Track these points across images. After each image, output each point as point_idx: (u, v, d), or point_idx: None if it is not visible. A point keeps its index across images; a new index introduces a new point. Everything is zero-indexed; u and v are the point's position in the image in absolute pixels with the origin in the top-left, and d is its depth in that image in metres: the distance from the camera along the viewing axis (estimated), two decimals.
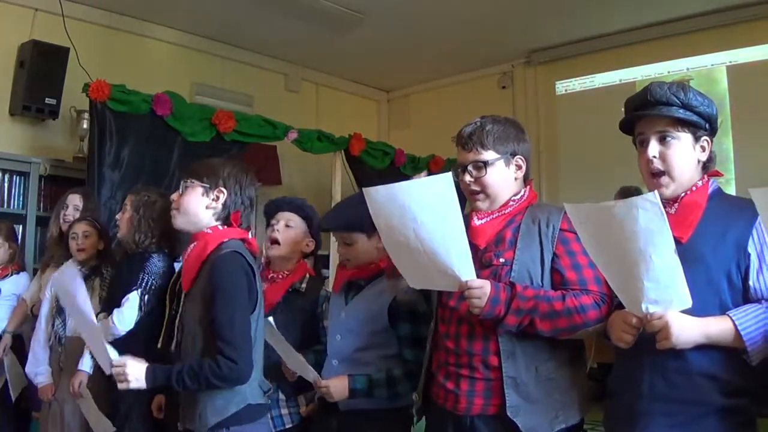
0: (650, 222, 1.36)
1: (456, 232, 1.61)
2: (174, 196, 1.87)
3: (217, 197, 1.85)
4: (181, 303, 1.89)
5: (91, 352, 2.67)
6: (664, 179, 1.59)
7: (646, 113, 1.62)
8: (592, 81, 5.34)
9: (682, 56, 4.82)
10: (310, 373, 2.06)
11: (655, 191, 1.39)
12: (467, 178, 1.80)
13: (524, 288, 1.67)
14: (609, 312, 1.65)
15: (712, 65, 4.73)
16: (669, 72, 4.88)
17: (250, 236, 1.91)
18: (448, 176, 1.57)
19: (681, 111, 1.57)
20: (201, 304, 1.78)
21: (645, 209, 1.36)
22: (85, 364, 2.69)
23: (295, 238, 2.39)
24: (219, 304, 1.72)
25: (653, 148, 1.60)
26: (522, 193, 1.83)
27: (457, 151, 1.86)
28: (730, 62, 4.64)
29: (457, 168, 1.84)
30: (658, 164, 1.59)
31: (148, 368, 1.72)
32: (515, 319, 1.65)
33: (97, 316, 2.68)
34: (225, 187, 1.85)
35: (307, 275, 2.44)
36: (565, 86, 5.50)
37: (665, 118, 1.59)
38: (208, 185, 1.84)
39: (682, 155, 1.59)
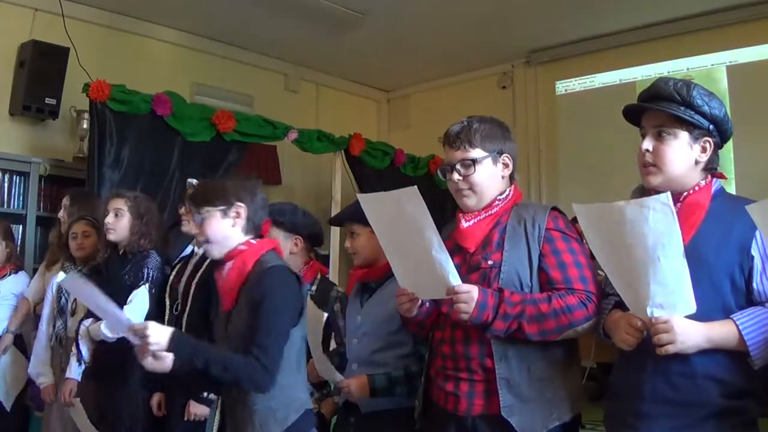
0: (660, 223, 1.36)
1: (434, 241, 1.63)
2: (194, 230, 1.85)
3: (238, 213, 1.83)
4: (225, 323, 1.85)
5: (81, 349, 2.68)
6: (652, 168, 1.60)
7: (646, 105, 1.62)
8: (592, 81, 5.33)
9: (682, 56, 4.80)
10: (335, 376, 2.09)
11: (667, 193, 1.39)
12: (455, 176, 1.81)
13: (511, 293, 1.68)
14: (596, 309, 1.65)
15: (712, 65, 4.73)
16: (669, 72, 4.87)
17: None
18: (414, 189, 1.60)
19: (681, 109, 1.56)
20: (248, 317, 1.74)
21: (656, 210, 1.36)
22: (74, 372, 2.70)
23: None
24: (264, 312, 1.69)
25: (648, 142, 1.61)
26: (507, 192, 1.84)
27: (444, 151, 1.86)
28: (730, 62, 4.64)
29: (444, 168, 1.85)
30: (649, 157, 1.61)
31: (173, 334, 1.59)
32: (503, 324, 1.65)
33: (82, 321, 2.71)
34: (241, 201, 1.84)
35: (319, 276, 2.46)
36: (565, 86, 5.49)
37: (663, 113, 1.59)
38: (224, 206, 1.82)
39: (676, 152, 1.58)
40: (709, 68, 4.73)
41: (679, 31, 4.76)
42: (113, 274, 2.71)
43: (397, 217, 1.65)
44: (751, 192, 1.68)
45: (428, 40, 5.20)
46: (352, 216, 2.16)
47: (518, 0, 4.51)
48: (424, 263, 1.67)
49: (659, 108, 1.58)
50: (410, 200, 1.61)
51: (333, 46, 5.31)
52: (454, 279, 1.66)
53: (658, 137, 1.60)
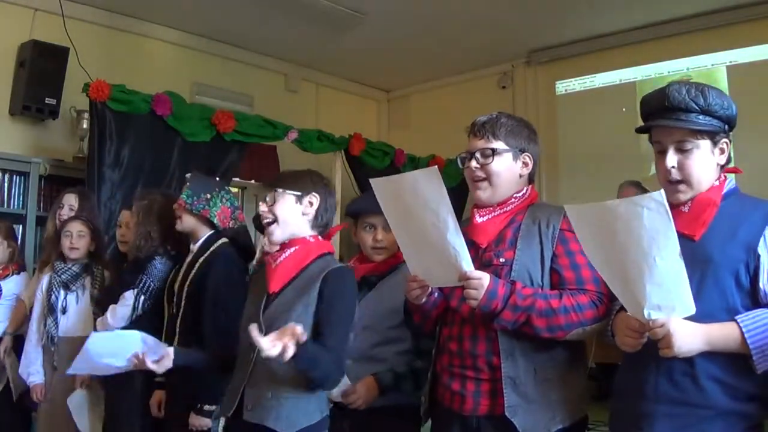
0: (655, 222, 1.33)
1: (450, 224, 1.62)
2: (263, 207, 1.82)
3: (311, 203, 1.83)
4: (264, 305, 1.82)
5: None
6: (682, 186, 1.54)
7: (664, 123, 1.55)
8: (592, 81, 5.34)
9: (682, 56, 4.82)
10: (343, 385, 2.00)
11: (661, 190, 1.36)
12: (473, 164, 1.80)
13: (522, 286, 1.68)
14: (606, 311, 1.64)
15: (712, 65, 4.73)
16: (669, 72, 4.88)
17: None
18: (434, 169, 1.60)
19: (701, 117, 1.51)
20: (303, 310, 1.74)
21: (650, 209, 1.32)
22: None
23: None
24: (339, 315, 1.73)
25: (671, 158, 1.54)
26: (524, 191, 1.83)
27: (468, 140, 1.86)
28: (730, 62, 4.65)
29: (464, 156, 1.84)
30: (676, 174, 1.54)
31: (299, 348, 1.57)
32: (512, 315, 1.64)
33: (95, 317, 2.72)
34: (316, 192, 1.84)
35: None
36: (565, 86, 5.50)
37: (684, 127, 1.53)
38: (299, 193, 1.83)
39: (701, 163, 1.53)
40: (709, 68, 4.73)
41: (679, 31, 4.77)
42: (123, 274, 2.75)
43: (413, 200, 1.64)
44: (751, 192, 1.67)
45: (428, 40, 5.20)
46: None
47: (518, 0, 4.51)
48: (438, 249, 1.66)
49: (686, 122, 1.52)
50: (429, 181, 1.60)
51: (333, 46, 5.32)
52: (467, 265, 1.65)
53: (681, 151, 1.54)
